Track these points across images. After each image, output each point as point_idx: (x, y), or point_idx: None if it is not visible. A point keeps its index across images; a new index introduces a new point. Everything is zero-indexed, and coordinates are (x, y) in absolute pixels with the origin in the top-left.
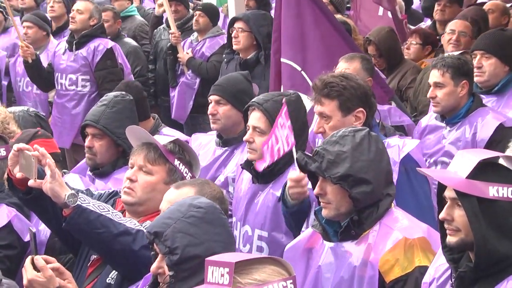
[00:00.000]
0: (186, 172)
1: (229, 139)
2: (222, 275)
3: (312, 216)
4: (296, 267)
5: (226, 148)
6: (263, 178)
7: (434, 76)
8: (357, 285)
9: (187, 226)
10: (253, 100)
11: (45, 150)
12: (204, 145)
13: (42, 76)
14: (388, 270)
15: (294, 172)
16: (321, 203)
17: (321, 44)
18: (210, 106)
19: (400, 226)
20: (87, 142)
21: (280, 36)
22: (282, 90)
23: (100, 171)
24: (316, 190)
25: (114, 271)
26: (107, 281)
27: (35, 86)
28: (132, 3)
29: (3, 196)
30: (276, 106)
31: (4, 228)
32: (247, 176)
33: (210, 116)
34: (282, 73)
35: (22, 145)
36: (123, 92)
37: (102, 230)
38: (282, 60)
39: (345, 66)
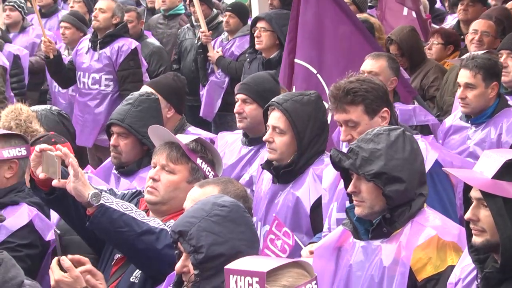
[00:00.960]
0: (208, 171)
1: (255, 138)
2: (250, 285)
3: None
4: (326, 266)
5: (251, 147)
6: (283, 178)
7: (465, 76)
8: (387, 283)
9: (212, 224)
10: (272, 100)
11: (67, 149)
12: (230, 143)
13: (62, 73)
14: (421, 268)
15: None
16: (354, 201)
17: (341, 45)
18: (236, 105)
19: (432, 224)
20: (112, 141)
21: (296, 36)
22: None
23: (125, 170)
24: (350, 188)
25: (138, 270)
26: (131, 279)
27: (70, 88)
28: (182, 2)
29: (24, 195)
30: (296, 105)
31: (25, 227)
32: (267, 176)
33: (236, 115)
34: (295, 74)
35: (44, 145)
36: (148, 91)
37: (126, 229)
38: (296, 61)
39: (371, 63)
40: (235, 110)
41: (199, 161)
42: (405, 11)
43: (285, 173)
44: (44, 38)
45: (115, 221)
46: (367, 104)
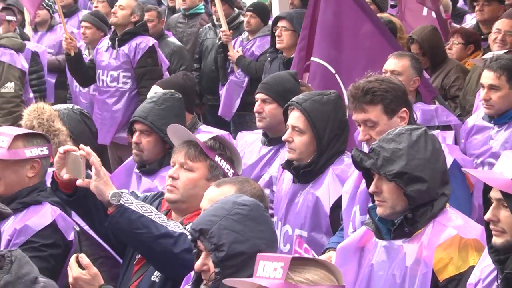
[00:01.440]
0: (228, 168)
1: (275, 138)
2: (275, 269)
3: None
4: (348, 266)
5: (271, 147)
6: (303, 178)
7: (489, 78)
8: (409, 283)
9: (233, 223)
10: (292, 99)
11: (90, 148)
12: (250, 143)
13: (82, 71)
14: (442, 268)
15: None
16: (376, 201)
17: (361, 45)
18: (256, 104)
19: (454, 224)
20: (134, 138)
21: (309, 34)
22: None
23: (147, 169)
24: (372, 188)
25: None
26: (151, 278)
27: (92, 87)
28: (202, 1)
29: (47, 195)
30: (315, 105)
31: (48, 227)
32: (288, 175)
33: (256, 114)
34: (312, 73)
35: (68, 146)
36: (172, 90)
37: (143, 231)
38: (314, 59)
39: (394, 62)
40: (255, 110)
41: (217, 158)
42: (425, 11)
43: (305, 173)
44: (65, 35)
45: (133, 222)
46: (386, 104)
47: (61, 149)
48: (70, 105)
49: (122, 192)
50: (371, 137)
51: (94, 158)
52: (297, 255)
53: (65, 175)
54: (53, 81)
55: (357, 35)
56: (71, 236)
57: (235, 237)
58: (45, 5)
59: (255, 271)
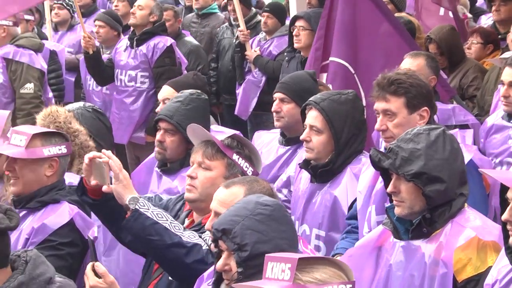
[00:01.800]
0: (246, 166)
1: (292, 138)
2: (283, 271)
3: None
4: (365, 265)
5: (289, 146)
6: (321, 177)
7: (510, 75)
8: (427, 283)
9: (256, 223)
10: (310, 99)
11: (111, 153)
12: (267, 143)
13: (100, 69)
14: (461, 269)
15: None
16: (394, 201)
17: (378, 45)
18: (274, 104)
19: (472, 225)
20: (158, 136)
21: (325, 34)
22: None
23: (168, 168)
24: (390, 188)
25: None
26: (169, 278)
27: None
28: (215, 0)
29: (65, 193)
30: (333, 105)
31: (66, 226)
32: (305, 175)
33: (274, 114)
34: (332, 72)
35: (92, 153)
36: (199, 91)
37: (156, 238)
38: (334, 59)
39: (410, 62)
40: (273, 109)
41: (235, 156)
42: (442, 11)
43: (323, 172)
44: (83, 33)
45: (146, 228)
46: (409, 98)
47: (86, 158)
48: (81, 104)
49: (140, 197)
50: (388, 128)
51: (113, 162)
52: (306, 255)
53: (92, 181)
54: (73, 79)
55: (374, 35)
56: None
57: (258, 237)
58: (65, 5)
59: (264, 272)
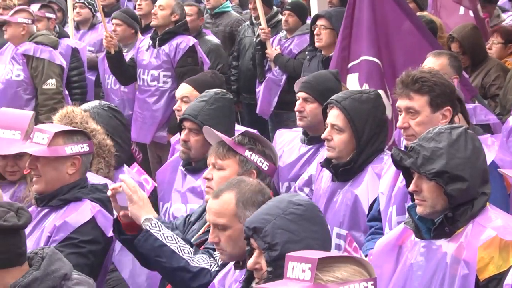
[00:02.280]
0: (261, 161)
1: (315, 137)
2: (304, 271)
3: None
4: (385, 263)
5: (311, 145)
6: (342, 176)
7: None
8: (448, 283)
9: (287, 222)
10: (331, 97)
11: (125, 176)
12: (289, 141)
13: (122, 69)
14: (483, 268)
15: None
16: (416, 200)
17: (400, 43)
18: (297, 103)
19: (494, 225)
20: (183, 136)
21: (351, 34)
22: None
23: (192, 167)
24: (412, 187)
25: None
26: None
27: None
28: None
29: (87, 191)
30: (355, 104)
31: (88, 224)
32: (326, 174)
33: (297, 113)
34: (366, 72)
35: (112, 186)
36: (224, 90)
37: (163, 260)
38: (365, 57)
39: (433, 61)
40: (295, 109)
41: (247, 153)
42: (462, 10)
43: (344, 171)
44: (106, 33)
45: (154, 250)
46: (433, 97)
47: (109, 192)
48: (97, 102)
49: (154, 218)
50: (410, 126)
51: (126, 184)
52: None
53: (120, 212)
54: (93, 78)
55: (395, 34)
56: (111, 232)
57: (289, 237)
58: (87, 4)
59: (285, 272)
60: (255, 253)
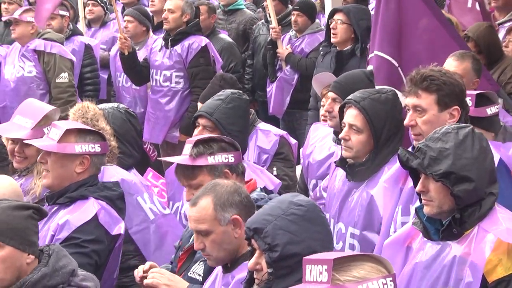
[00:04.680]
0: (225, 158)
1: None
2: (321, 273)
3: None
4: (393, 263)
5: (340, 146)
6: (358, 176)
7: None
8: (455, 284)
9: (288, 223)
10: (349, 97)
11: (155, 265)
12: (322, 137)
13: (136, 70)
14: (491, 270)
15: None
16: (423, 201)
17: (423, 38)
18: (327, 103)
19: (499, 229)
20: (196, 133)
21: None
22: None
23: None
24: (419, 187)
25: (195, 266)
26: (188, 274)
27: None
28: None
29: (94, 189)
30: (374, 104)
31: (90, 222)
32: (340, 173)
33: (327, 113)
34: (375, 67)
35: (138, 276)
36: (240, 91)
37: None
38: (377, 53)
39: (455, 64)
40: (325, 108)
41: (210, 159)
42: (469, 3)
43: (360, 171)
44: (120, 34)
45: None
46: (441, 96)
47: (137, 278)
48: (115, 104)
49: None
50: (417, 124)
51: (152, 278)
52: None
53: None
54: (105, 76)
55: (419, 29)
56: (115, 231)
57: (289, 237)
58: (99, 2)
59: (303, 275)
60: (256, 254)
